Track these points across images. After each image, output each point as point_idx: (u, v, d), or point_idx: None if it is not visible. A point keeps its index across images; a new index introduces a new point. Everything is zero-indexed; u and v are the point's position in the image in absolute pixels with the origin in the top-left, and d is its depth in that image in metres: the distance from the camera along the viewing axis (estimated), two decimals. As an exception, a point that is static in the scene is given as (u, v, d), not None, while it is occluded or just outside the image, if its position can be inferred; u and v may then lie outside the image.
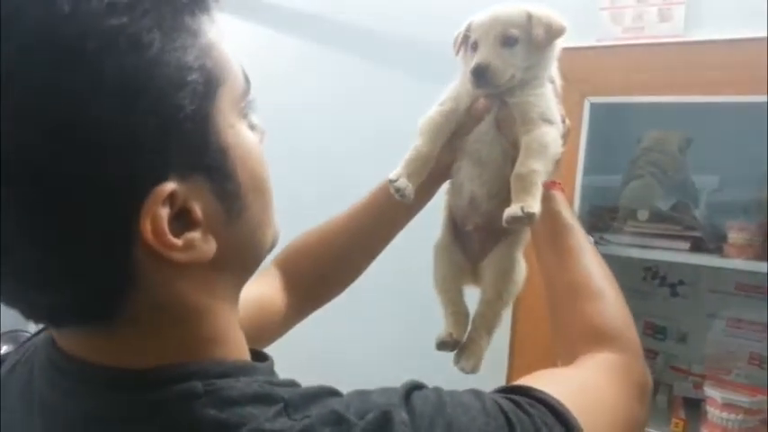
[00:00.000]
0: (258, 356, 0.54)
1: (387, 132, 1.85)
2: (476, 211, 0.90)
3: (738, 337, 1.70)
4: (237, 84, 0.49)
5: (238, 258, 0.51)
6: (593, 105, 1.50)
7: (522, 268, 0.95)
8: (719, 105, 1.43)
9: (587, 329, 0.72)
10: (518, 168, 0.81)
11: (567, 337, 0.75)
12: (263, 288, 0.83)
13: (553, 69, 0.88)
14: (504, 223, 0.79)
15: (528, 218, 0.77)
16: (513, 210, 0.78)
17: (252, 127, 0.52)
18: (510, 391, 0.54)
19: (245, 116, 0.51)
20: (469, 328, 0.96)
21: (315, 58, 2.02)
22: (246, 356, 0.52)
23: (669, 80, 1.43)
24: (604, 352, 0.68)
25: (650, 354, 1.78)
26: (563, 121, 0.87)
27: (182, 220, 0.44)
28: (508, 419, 0.49)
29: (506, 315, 0.99)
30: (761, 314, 1.66)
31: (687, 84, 1.41)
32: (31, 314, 0.47)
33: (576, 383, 0.62)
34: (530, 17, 0.82)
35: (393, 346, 1.89)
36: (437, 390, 0.51)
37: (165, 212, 0.43)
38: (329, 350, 1.95)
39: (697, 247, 1.57)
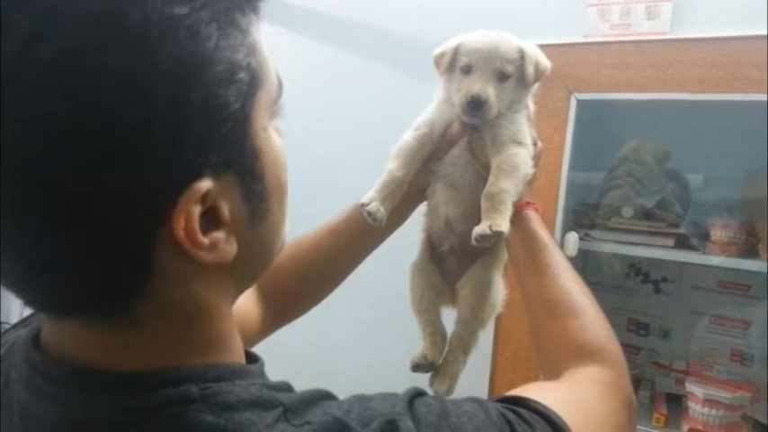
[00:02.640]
0: (248, 357, 0.53)
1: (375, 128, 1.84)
2: (451, 233, 0.91)
3: (720, 334, 1.71)
4: (273, 86, 0.49)
5: (253, 262, 0.51)
6: (579, 102, 1.50)
7: (499, 288, 0.96)
8: (705, 103, 1.43)
9: (572, 346, 0.72)
10: (488, 188, 0.82)
11: (552, 353, 0.75)
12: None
13: (527, 100, 0.89)
14: (473, 241, 0.80)
15: (496, 236, 0.79)
16: (481, 228, 0.79)
17: (276, 130, 0.52)
18: (509, 401, 0.54)
19: (274, 120, 0.50)
20: (446, 349, 0.97)
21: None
22: (242, 359, 0.51)
23: (656, 77, 1.43)
24: (591, 366, 0.69)
25: (633, 350, 1.80)
26: (534, 144, 0.89)
27: (208, 218, 0.44)
28: (513, 430, 0.49)
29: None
30: (743, 311, 1.68)
31: (673, 81, 1.41)
32: (37, 301, 0.45)
33: (568, 396, 0.62)
34: (522, 54, 0.83)
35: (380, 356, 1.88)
36: (439, 397, 0.51)
37: (197, 210, 0.42)
38: (318, 356, 1.95)
39: (681, 244, 1.58)
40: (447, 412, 0.48)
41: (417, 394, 0.50)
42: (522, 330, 1.52)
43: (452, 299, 0.98)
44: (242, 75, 0.44)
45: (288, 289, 0.90)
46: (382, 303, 1.73)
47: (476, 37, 0.85)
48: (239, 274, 0.50)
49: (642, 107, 1.56)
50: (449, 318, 1.00)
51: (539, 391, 0.57)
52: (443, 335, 0.98)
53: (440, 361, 0.96)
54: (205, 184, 0.42)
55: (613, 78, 1.47)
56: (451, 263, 0.96)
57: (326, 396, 0.49)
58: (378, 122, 1.57)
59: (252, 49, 0.45)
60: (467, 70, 0.84)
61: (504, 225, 0.79)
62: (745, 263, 1.48)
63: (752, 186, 1.63)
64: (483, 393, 1.60)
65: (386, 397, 0.49)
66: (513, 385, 0.63)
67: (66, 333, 0.47)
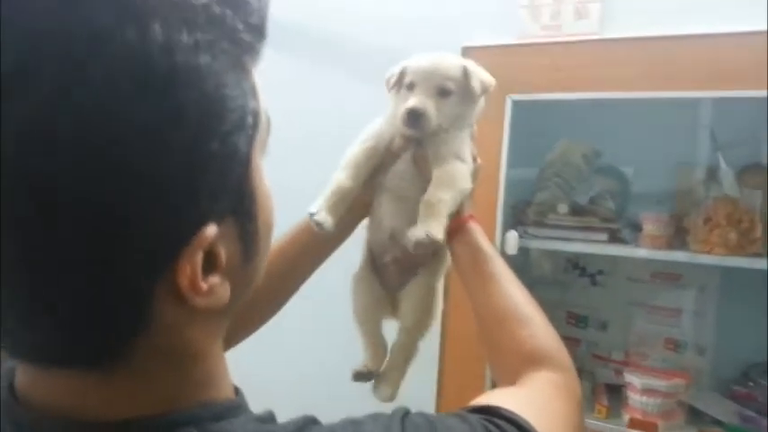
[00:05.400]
0: None
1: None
2: (395, 245, 0.93)
3: (655, 324, 1.76)
4: (264, 124, 0.47)
5: (239, 301, 0.49)
6: (514, 103, 1.52)
7: (438, 299, 1.00)
8: (633, 101, 1.48)
9: (523, 352, 0.75)
10: (426, 197, 0.85)
11: (505, 361, 0.78)
12: None
13: (472, 117, 0.92)
14: (409, 248, 0.83)
15: (431, 243, 0.82)
16: (417, 233, 0.82)
17: None
18: (483, 411, 0.56)
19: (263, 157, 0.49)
20: (388, 357, 1.00)
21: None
22: (232, 393, 0.50)
23: (585, 77, 1.46)
24: (544, 372, 0.72)
25: (573, 342, 1.84)
26: (474, 160, 0.92)
27: (205, 263, 0.42)
28: None
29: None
30: (675, 300, 1.74)
31: (603, 80, 1.45)
32: (25, 351, 0.43)
33: (531, 402, 0.64)
34: (465, 72, 0.87)
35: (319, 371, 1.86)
36: (423, 415, 0.52)
37: (200, 256, 0.41)
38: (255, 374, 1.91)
39: (614, 238, 1.63)
40: (435, 429, 0.50)
41: (405, 414, 0.51)
42: (469, 332, 1.53)
43: (393, 310, 1.00)
44: (249, 120, 0.43)
45: (239, 312, 0.87)
46: (324, 313, 1.72)
47: (419, 58, 0.89)
48: (229, 314, 0.49)
49: (574, 106, 1.59)
50: (388, 327, 1.02)
51: (505, 399, 0.60)
52: (384, 345, 1.01)
53: (380, 370, 1.00)
54: (211, 230, 0.41)
55: (546, 79, 1.50)
56: (393, 274, 0.97)
57: (313, 421, 0.48)
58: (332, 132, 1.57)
59: (254, 92, 0.44)
60: (410, 87, 0.88)
61: (439, 233, 0.82)
62: (674, 254, 1.54)
63: (680, 179, 1.69)
64: (431, 397, 1.61)
65: (375, 419, 0.50)
66: (461, 389, 0.64)
67: (53, 383, 0.44)
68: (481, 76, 0.89)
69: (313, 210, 0.86)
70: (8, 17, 0.35)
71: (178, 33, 0.37)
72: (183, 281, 0.40)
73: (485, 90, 0.89)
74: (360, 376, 0.99)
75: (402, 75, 0.89)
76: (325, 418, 0.49)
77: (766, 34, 1.26)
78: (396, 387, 0.98)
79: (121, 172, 0.37)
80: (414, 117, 0.85)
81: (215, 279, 0.43)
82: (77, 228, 0.37)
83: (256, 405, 0.50)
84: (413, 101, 0.85)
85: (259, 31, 0.43)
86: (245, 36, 0.42)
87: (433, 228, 0.82)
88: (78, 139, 0.36)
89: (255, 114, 0.44)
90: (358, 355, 1.01)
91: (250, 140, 0.44)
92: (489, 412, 0.56)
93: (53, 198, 0.36)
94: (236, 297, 0.47)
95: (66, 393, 0.43)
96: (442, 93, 0.86)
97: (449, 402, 1.57)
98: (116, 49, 0.36)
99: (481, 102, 0.92)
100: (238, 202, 0.44)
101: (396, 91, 0.91)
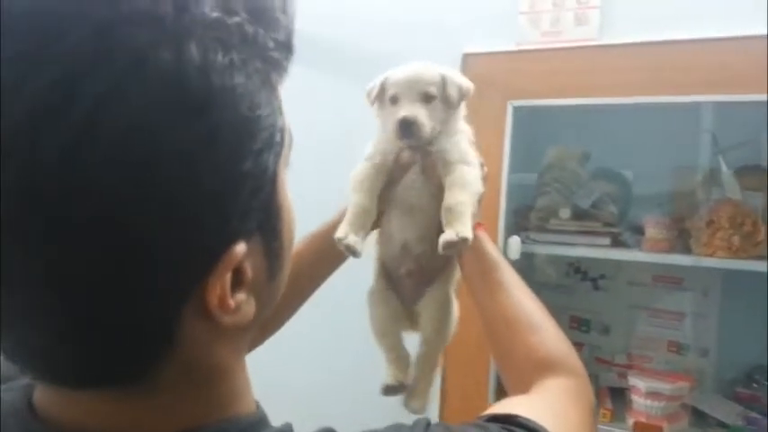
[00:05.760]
0: None
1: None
2: (408, 257, 0.94)
3: (657, 327, 1.77)
4: (289, 139, 0.47)
5: (263, 316, 0.49)
6: (515, 108, 1.53)
7: (454, 306, 1.00)
8: (634, 106, 1.49)
9: (535, 359, 0.75)
10: (446, 202, 0.86)
11: (516, 368, 0.78)
12: None
13: (461, 122, 0.94)
14: (440, 250, 0.83)
15: (462, 242, 0.82)
16: (448, 235, 0.82)
17: None
18: (501, 419, 0.56)
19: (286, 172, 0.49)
20: (413, 369, 1.00)
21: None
22: (254, 406, 0.50)
23: (586, 82, 1.47)
24: (557, 378, 0.72)
25: (576, 346, 1.82)
26: (482, 167, 0.93)
27: (233, 280, 0.42)
28: None
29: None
30: (677, 303, 1.75)
31: (603, 85, 1.46)
32: (49, 374, 0.42)
33: (548, 409, 0.65)
34: (443, 79, 0.89)
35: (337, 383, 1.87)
36: (444, 425, 0.53)
37: (229, 275, 0.41)
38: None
39: (616, 242, 1.64)
40: None
41: (427, 425, 0.51)
42: (472, 339, 1.53)
43: (411, 322, 1.00)
44: (278, 137, 0.43)
45: None
46: (338, 320, 1.72)
47: (398, 70, 0.90)
48: (253, 330, 0.49)
49: (575, 111, 1.60)
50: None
51: (521, 407, 0.60)
52: (407, 356, 1.00)
53: (408, 381, 0.99)
54: (240, 249, 0.41)
55: (546, 85, 1.51)
56: (409, 287, 0.98)
57: None
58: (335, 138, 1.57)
59: (280, 108, 0.44)
60: (394, 100, 0.89)
61: (468, 232, 0.82)
62: (677, 258, 1.55)
63: (679, 182, 1.70)
64: (434, 404, 1.60)
65: (397, 429, 0.50)
66: (465, 396, 0.64)
67: (76, 401, 0.43)
68: (459, 82, 0.90)
69: (341, 235, 0.86)
70: (46, 39, 0.36)
71: (213, 54, 0.37)
72: (213, 299, 0.41)
73: (463, 95, 0.90)
74: (391, 390, 0.98)
75: (383, 88, 0.90)
76: (342, 426, 0.49)
77: (765, 38, 1.27)
78: (426, 398, 0.99)
79: (155, 193, 0.37)
80: (406, 126, 0.86)
81: (241, 296, 0.43)
82: (108, 247, 0.37)
83: (273, 414, 0.50)
84: (402, 111, 0.86)
85: (287, 48, 0.44)
86: (274, 54, 0.42)
87: (460, 228, 0.82)
88: (112, 160, 0.36)
89: (283, 131, 0.44)
90: (371, 363, 1.00)
91: (277, 157, 0.44)
92: (508, 421, 0.56)
93: (84, 217, 0.36)
94: (261, 312, 0.48)
95: (90, 411, 0.43)
96: (427, 99, 0.87)
97: (452, 410, 1.58)
98: (152, 71, 0.36)
99: (463, 105, 0.92)
100: (265, 219, 0.44)
101: (379, 106, 0.92)
